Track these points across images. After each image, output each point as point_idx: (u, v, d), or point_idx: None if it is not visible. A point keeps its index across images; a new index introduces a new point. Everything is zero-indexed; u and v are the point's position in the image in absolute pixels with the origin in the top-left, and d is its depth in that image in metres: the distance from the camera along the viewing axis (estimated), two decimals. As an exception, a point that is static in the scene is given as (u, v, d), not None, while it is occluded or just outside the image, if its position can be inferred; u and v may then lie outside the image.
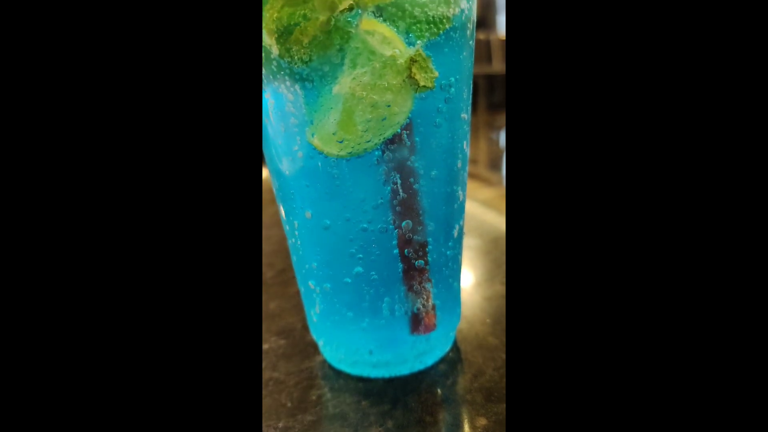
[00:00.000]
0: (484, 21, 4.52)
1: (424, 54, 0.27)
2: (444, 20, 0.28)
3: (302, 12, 0.26)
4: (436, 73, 0.28)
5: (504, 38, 3.67)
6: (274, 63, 0.28)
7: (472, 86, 0.33)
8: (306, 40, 0.26)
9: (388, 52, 0.27)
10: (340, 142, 0.29)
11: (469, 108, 0.33)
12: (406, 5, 0.26)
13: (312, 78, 0.27)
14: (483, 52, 3.59)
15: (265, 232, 0.68)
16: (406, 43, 0.27)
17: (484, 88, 3.67)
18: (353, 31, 0.26)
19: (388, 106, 0.28)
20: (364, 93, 0.27)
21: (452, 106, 0.30)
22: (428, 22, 0.27)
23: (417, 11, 0.27)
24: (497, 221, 0.67)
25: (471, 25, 0.30)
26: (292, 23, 0.26)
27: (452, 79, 0.30)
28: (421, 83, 0.28)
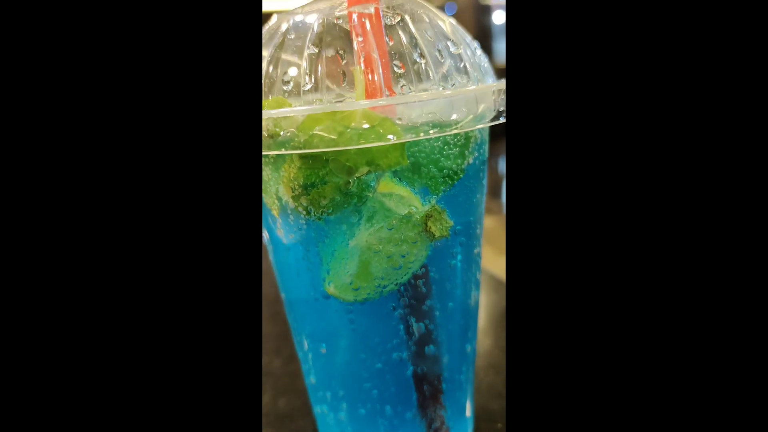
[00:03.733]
0: (483, 50, 4.57)
1: (439, 207, 0.28)
2: (459, 172, 0.28)
3: (320, 174, 0.26)
4: (452, 223, 0.28)
5: (501, 66, 3.71)
6: (291, 216, 0.28)
7: (483, 218, 0.34)
8: (324, 202, 0.26)
9: (404, 211, 0.27)
10: (356, 289, 0.29)
11: (481, 240, 0.33)
12: (422, 167, 0.26)
13: (328, 233, 0.28)
14: (481, 81, 3.62)
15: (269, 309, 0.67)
16: (422, 197, 0.27)
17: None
18: (371, 194, 0.26)
19: (404, 256, 0.28)
20: (381, 247, 0.27)
21: (466, 246, 0.31)
22: (443, 177, 0.27)
23: (433, 170, 0.27)
24: (496, 265, 0.66)
25: (484, 166, 0.31)
26: (309, 183, 0.26)
27: (466, 221, 0.30)
28: (437, 235, 0.28)
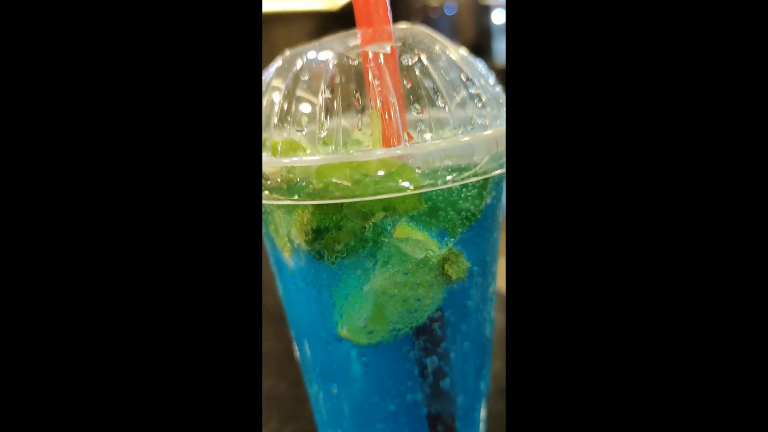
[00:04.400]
0: (482, 50, 4.57)
1: (456, 250, 0.27)
2: (477, 213, 0.27)
3: (334, 219, 0.25)
4: (468, 264, 0.28)
5: (500, 68, 3.70)
6: (303, 259, 0.27)
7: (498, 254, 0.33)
8: (338, 247, 0.26)
9: (420, 255, 0.26)
10: (370, 333, 0.28)
11: (497, 276, 0.33)
12: (440, 211, 0.26)
13: (341, 277, 0.27)
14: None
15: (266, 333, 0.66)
16: (439, 240, 0.26)
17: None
18: (387, 239, 0.25)
19: (419, 299, 0.27)
20: (396, 291, 0.27)
21: (482, 286, 0.30)
22: (461, 219, 0.27)
23: (450, 213, 0.26)
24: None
25: (501, 204, 0.30)
26: (323, 227, 0.26)
27: (483, 261, 0.29)
28: (454, 278, 0.27)
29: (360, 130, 0.24)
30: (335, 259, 0.26)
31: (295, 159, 0.23)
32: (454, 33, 5.04)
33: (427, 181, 0.23)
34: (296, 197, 0.24)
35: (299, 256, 0.27)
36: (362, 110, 0.24)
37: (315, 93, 0.24)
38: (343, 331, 0.28)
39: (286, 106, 0.26)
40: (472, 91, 0.26)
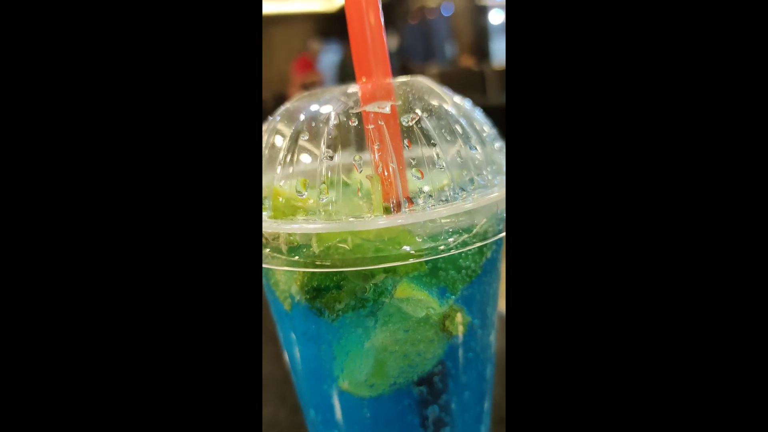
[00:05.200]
0: (479, 51, 4.55)
1: (456, 306, 0.27)
2: (477, 270, 0.27)
3: (335, 279, 0.25)
4: (469, 319, 0.28)
5: (498, 69, 3.70)
6: (303, 314, 0.27)
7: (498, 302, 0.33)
8: (339, 306, 0.26)
9: (422, 314, 0.26)
10: (371, 386, 0.28)
11: (496, 323, 0.33)
12: (440, 270, 0.26)
13: (342, 334, 0.27)
14: (478, 84, 3.60)
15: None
16: (439, 298, 0.26)
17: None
18: (387, 300, 0.25)
19: (420, 354, 0.27)
20: (397, 347, 0.27)
21: (483, 336, 0.30)
22: (461, 277, 0.27)
23: (451, 272, 0.26)
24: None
25: (500, 256, 0.30)
26: (323, 287, 0.26)
27: (483, 313, 0.29)
28: (455, 333, 0.27)
29: (360, 195, 0.24)
30: (336, 316, 0.26)
31: (296, 226, 0.23)
32: (451, 33, 5.03)
33: (428, 245, 0.23)
34: (296, 258, 0.24)
35: (300, 311, 0.27)
36: (362, 173, 0.24)
37: (315, 157, 0.24)
38: (344, 384, 0.28)
39: (288, 158, 0.26)
40: (473, 152, 0.26)
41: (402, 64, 4.52)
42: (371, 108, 0.25)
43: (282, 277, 0.27)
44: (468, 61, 4.31)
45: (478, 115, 0.29)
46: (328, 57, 4.66)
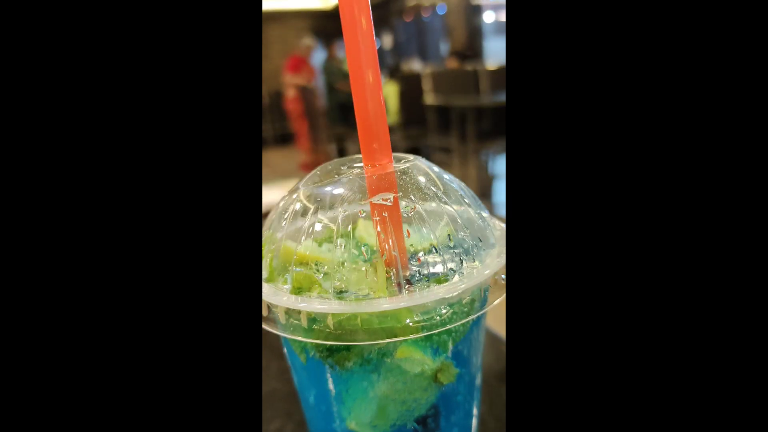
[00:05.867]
0: (473, 51, 4.60)
1: (447, 362, 0.32)
2: (465, 331, 0.32)
3: (345, 343, 0.30)
4: (457, 371, 0.33)
5: (491, 69, 3.75)
6: (316, 365, 0.32)
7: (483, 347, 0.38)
8: (348, 364, 0.31)
9: (417, 370, 0.31)
10: (374, 426, 0.33)
11: (481, 364, 0.38)
12: (434, 336, 0.31)
13: (350, 384, 0.32)
14: (471, 84, 3.65)
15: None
16: (432, 354, 0.32)
17: (473, 119, 3.74)
18: (389, 360, 0.30)
19: (416, 400, 0.32)
20: (397, 396, 0.32)
21: (469, 382, 0.35)
22: (451, 338, 0.32)
23: (443, 336, 0.31)
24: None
25: (485, 311, 0.35)
26: (335, 348, 0.31)
27: (469, 361, 0.34)
28: (445, 382, 0.32)
29: (368, 279, 0.29)
30: (345, 371, 0.31)
31: (316, 305, 0.28)
32: (445, 32, 5.08)
33: (425, 317, 0.28)
34: (314, 327, 0.29)
35: (314, 364, 0.32)
36: (369, 260, 0.29)
37: (331, 245, 0.29)
38: (352, 424, 0.33)
39: (310, 229, 0.31)
40: (461, 235, 0.31)
41: (396, 63, 4.56)
42: (377, 199, 0.30)
43: (297, 334, 0.32)
44: (454, 64, 4.29)
45: (470, 193, 0.34)
46: (323, 53, 4.69)
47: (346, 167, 0.36)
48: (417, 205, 0.30)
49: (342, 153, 4.68)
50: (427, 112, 4.03)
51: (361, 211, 0.30)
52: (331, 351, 0.31)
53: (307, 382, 0.34)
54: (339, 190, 0.32)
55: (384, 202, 0.29)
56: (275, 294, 0.29)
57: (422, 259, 0.29)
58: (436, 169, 0.35)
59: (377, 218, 0.29)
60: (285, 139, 7.15)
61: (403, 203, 0.30)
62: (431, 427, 0.34)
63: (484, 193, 4.01)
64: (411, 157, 0.36)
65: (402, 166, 0.33)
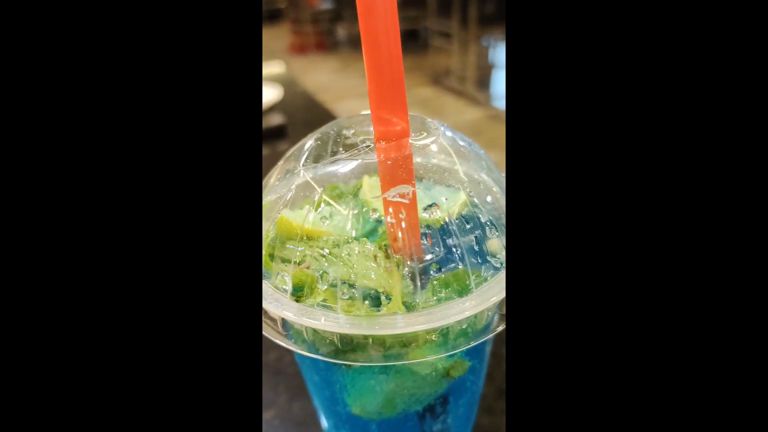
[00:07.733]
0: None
1: (461, 359, 0.30)
2: (481, 333, 0.30)
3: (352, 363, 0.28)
4: (470, 364, 0.31)
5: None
6: (324, 362, 0.30)
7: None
8: (356, 365, 0.28)
9: (429, 371, 0.29)
10: (380, 413, 0.32)
11: (489, 354, 0.36)
12: (449, 340, 0.28)
13: (358, 380, 0.30)
14: None
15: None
16: (446, 357, 0.29)
17: (476, 1, 3.46)
18: (400, 364, 0.28)
19: (425, 392, 0.31)
20: (405, 391, 0.30)
21: (479, 369, 0.33)
22: (467, 341, 0.29)
23: (459, 339, 0.29)
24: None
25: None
26: (345, 350, 0.28)
27: (481, 353, 0.33)
28: (456, 376, 0.31)
29: (382, 291, 0.25)
30: (354, 368, 0.29)
31: (322, 321, 0.25)
32: None
33: (440, 330, 0.26)
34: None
35: (321, 359, 0.30)
36: (384, 270, 0.25)
37: (339, 257, 0.26)
38: (356, 410, 0.32)
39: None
40: (493, 256, 0.27)
41: None
42: (392, 196, 0.25)
43: (306, 336, 0.29)
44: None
45: (488, 184, 0.30)
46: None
47: (351, 133, 0.31)
48: (441, 210, 0.26)
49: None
50: (428, -8, 3.72)
51: (373, 212, 0.26)
52: (338, 352, 0.28)
53: (311, 371, 0.33)
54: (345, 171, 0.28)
55: (401, 200, 0.25)
56: (276, 301, 0.26)
57: (443, 270, 0.26)
58: (461, 143, 0.30)
59: (392, 220, 0.25)
60: (273, 16, 6.66)
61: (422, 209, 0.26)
62: (438, 411, 0.33)
63: (483, 82, 3.84)
64: (430, 122, 0.31)
65: (420, 141, 0.28)
